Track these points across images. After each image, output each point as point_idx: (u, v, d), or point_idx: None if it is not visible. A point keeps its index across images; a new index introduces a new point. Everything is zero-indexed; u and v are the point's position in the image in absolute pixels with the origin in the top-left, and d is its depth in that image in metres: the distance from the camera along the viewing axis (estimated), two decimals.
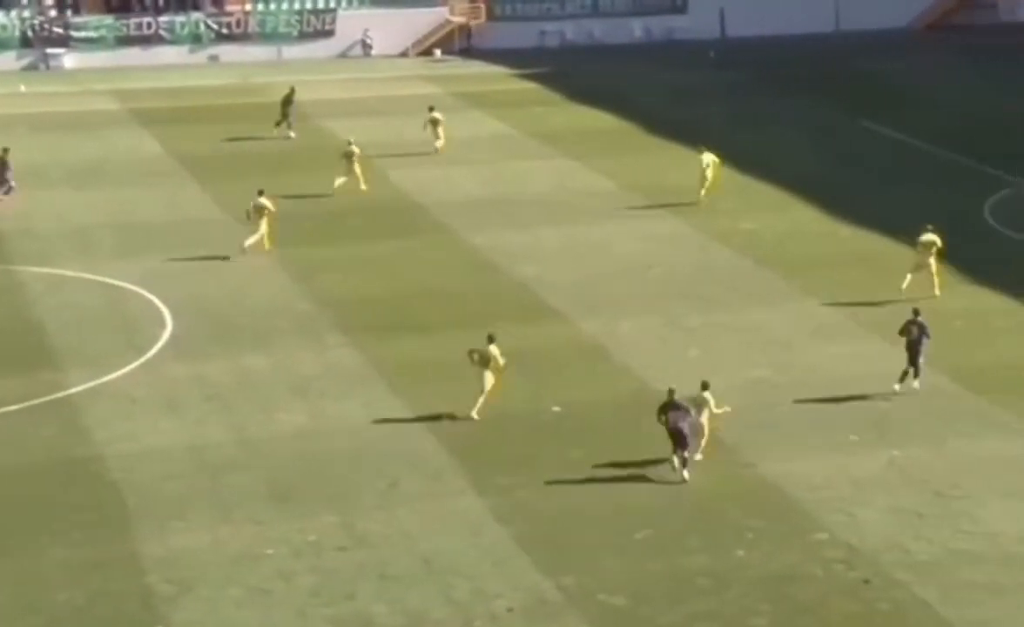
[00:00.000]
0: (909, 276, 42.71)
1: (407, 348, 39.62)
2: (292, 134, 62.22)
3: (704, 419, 32.67)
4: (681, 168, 57.49)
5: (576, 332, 40.73)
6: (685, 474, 31.93)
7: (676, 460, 31.92)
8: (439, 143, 59.12)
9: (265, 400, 36.38)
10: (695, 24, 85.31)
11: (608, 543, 29.64)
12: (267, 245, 47.39)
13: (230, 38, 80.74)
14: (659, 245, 48.23)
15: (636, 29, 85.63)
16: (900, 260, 46.07)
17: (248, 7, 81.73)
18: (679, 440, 31.79)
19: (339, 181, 53.59)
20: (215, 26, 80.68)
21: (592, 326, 40.98)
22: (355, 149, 54.54)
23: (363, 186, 53.83)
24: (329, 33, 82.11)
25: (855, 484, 31.91)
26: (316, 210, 51.19)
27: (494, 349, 35.15)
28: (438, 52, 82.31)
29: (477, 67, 79.13)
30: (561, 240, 48.83)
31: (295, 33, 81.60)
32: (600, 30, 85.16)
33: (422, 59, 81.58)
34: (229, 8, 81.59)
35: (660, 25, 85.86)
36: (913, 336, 36.14)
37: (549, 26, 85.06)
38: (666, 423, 31.85)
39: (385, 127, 63.13)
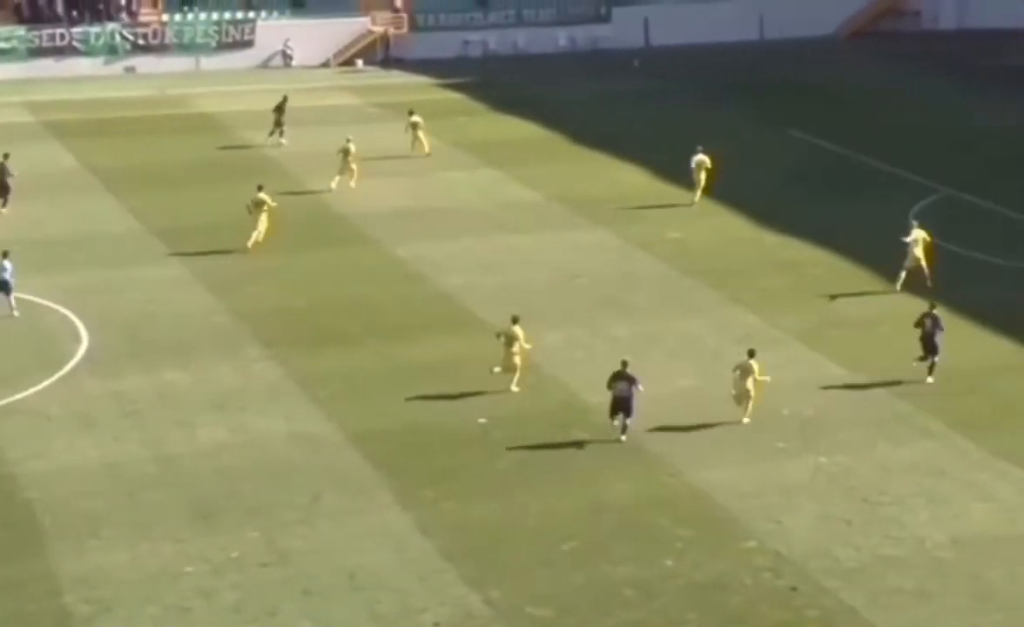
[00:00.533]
0: (903, 274, 44.09)
1: (330, 361, 39.50)
2: (283, 141, 62.24)
3: (750, 385, 35.08)
4: (606, 178, 57.83)
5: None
6: (623, 437, 34.20)
7: (616, 422, 34.35)
8: (425, 149, 60.17)
9: (184, 415, 36.14)
10: (619, 33, 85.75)
11: (535, 555, 29.67)
12: (260, 240, 48.27)
13: (146, 49, 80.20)
14: (585, 255, 48.38)
15: (560, 38, 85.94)
16: (825, 268, 46.53)
17: (164, 17, 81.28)
18: (622, 406, 34.29)
19: (337, 178, 55.24)
20: (131, 37, 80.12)
21: None
22: (352, 147, 55.62)
23: (353, 183, 55.03)
24: (249, 43, 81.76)
25: (783, 491, 32.13)
26: (235, 221, 50.91)
27: (518, 330, 37.08)
28: (360, 62, 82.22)
29: (400, 77, 79.11)
30: (486, 250, 48.89)
31: (213, 44, 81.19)
32: (524, 39, 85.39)
33: (344, 69, 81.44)
34: (145, 18, 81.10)
35: (584, 34, 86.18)
36: (927, 329, 37.64)
37: (472, 36, 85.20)
38: (614, 390, 34.30)
39: (307, 137, 62.93)
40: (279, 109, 63.01)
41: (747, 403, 35.35)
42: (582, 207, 53.37)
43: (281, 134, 62.58)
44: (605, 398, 35.72)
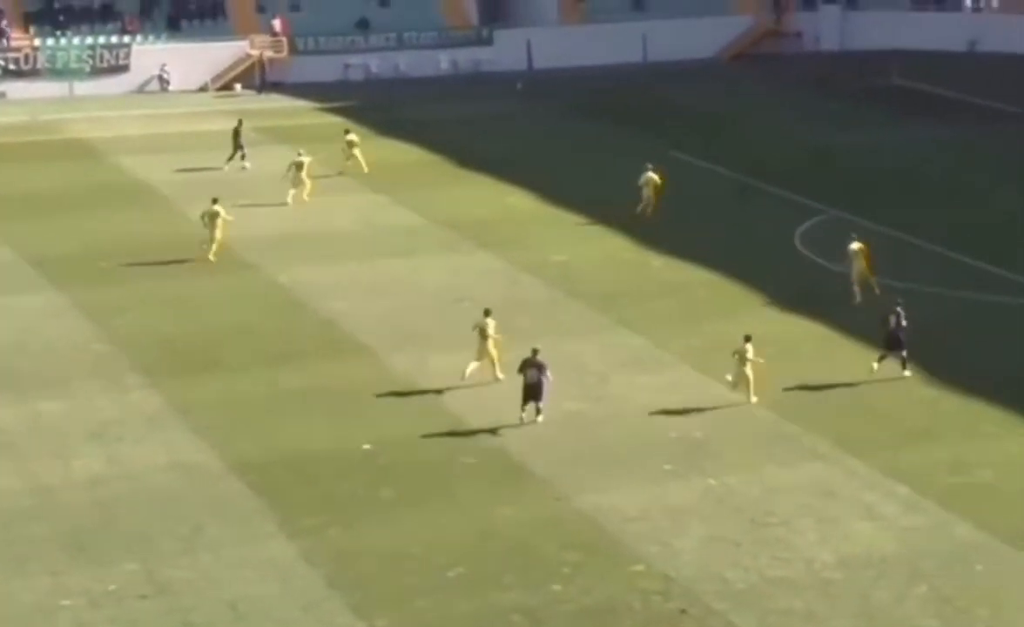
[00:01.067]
0: (856, 289, 45.37)
1: (210, 389, 39.14)
2: (246, 165, 61.61)
3: (748, 369, 37.57)
4: (490, 201, 57.92)
5: (386, 368, 40.66)
6: (539, 419, 36.44)
7: (525, 412, 36.40)
8: (363, 168, 60.52)
9: (60, 446, 35.58)
10: (501, 56, 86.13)
11: (421, 582, 29.54)
12: (212, 257, 49.36)
13: (18, 74, 79.15)
14: (469, 278, 48.41)
15: (442, 61, 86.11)
16: (712, 289, 46.91)
17: (36, 42, 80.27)
18: (534, 393, 36.41)
19: (291, 192, 56.31)
20: (1, 62, 79.03)
21: (402, 361, 40.95)
22: (305, 160, 56.93)
23: (306, 196, 56.40)
24: (124, 68, 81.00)
25: (671, 514, 32.28)
26: (111, 248, 50.44)
27: (489, 321, 39.28)
28: (239, 87, 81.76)
29: (281, 101, 78.81)
30: (369, 275, 48.76)
31: (87, 69, 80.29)
32: (405, 63, 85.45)
33: (222, 94, 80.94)
34: (16, 43, 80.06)
35: (466, 57, 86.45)
36: (891, 326, 39.51)
37: (353, 59, 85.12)
38: (525, 377, 36.36)
39: (185, 163, 62.49)
40: (236, 133, 62.29)
41: (746, 386, 37.59)
42: (467, 231, 53.41)
43: (243, 157, 61.80)
44: (492, 421, 35.89)
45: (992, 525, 31.61)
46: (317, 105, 76.89)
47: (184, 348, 42.20)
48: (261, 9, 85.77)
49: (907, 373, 39.41)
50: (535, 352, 36.70)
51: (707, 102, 77.14)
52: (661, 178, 54.62)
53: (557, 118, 73.05)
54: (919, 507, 32.60)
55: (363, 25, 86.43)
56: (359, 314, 44.90)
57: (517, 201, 57.79)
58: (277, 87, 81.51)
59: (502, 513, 32.30)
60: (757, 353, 37.80)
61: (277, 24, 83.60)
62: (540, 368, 36.33)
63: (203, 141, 67.69)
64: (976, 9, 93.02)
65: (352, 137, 61.63)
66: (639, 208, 54.34)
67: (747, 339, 37.91)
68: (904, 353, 39.42)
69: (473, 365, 38.72)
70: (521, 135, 69.14)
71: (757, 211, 56.25)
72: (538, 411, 36.39)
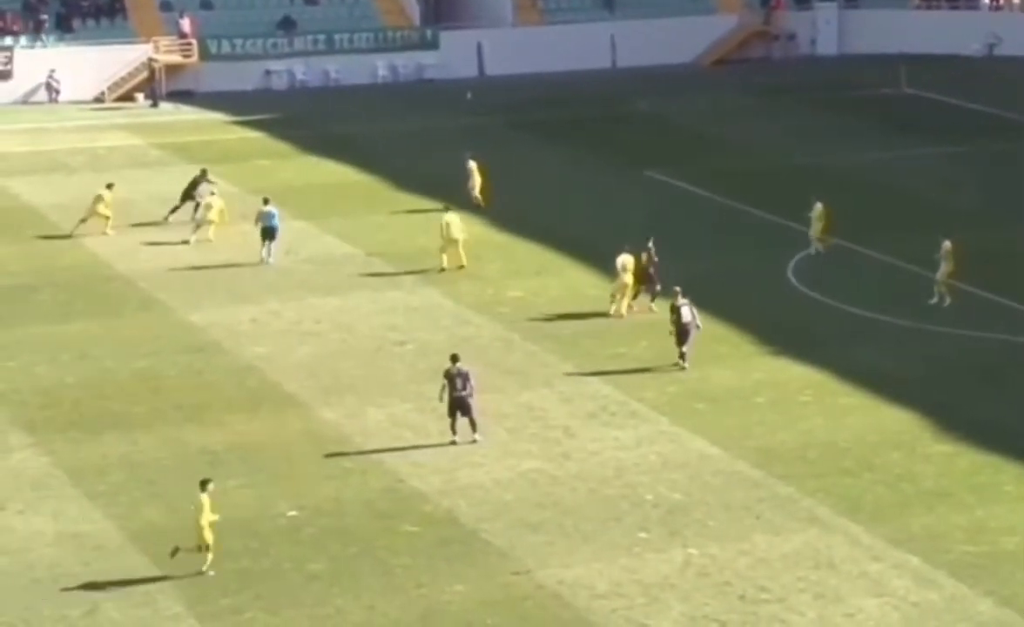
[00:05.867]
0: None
1: (108, 448, 39.08)
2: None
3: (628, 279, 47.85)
4: (434, 229, 57.95)
5: (315, 421, 40.69)
6: (685, 365, 43.91)
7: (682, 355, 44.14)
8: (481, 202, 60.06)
9: None
10: (449, 61, 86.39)
11: None
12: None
13: None
14: (411, 318, 48.50)
15: (380, 67, 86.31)
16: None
17: None
18: (683, 337, 43.86)
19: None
20: None
21: (334, 414, 40.99)
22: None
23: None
24: (6, 75, 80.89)
25: (647, 590, 32.37)
26: None
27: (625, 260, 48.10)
28: (141, 97, 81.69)
29: (189, 114, 78.82)
30: (295, 315, 48.81)
31: None
32: (336, 69, 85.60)
33: (121, 105, 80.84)
34: None
35: (408, 62, 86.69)
36: None
37: (276, 65, 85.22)
38: (677, 318, 43.90)
39: (78, 185, 62.39)
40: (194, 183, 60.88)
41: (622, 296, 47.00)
42: (407, 263, 53.51)
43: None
44: (439, 482, 35.93)
45: (1017, 600, 31.82)
46: (232, 118, 76.93)
47: (76, 401, 42.12)
48: (166, 7, 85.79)
49: None
50: (678, 291, 44.57)
51: (685, 114, 77.53)
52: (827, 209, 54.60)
53: (511, 132, 73.30)
54: (932, 580, 32.79)
55: (287, 25, 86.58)
56: (283, 360, 44.91)
57: (466, 229, 57.90)
58: (185, 97, 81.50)
59: (450, 590, 32.31)
60: (745, 401, 37.89)
61: (186, 24, 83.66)
62: (692, 310, 43.81)
63: (99, 160, 67.60)
64: (995, 7, 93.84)
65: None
66: (813, 249, 54.39)
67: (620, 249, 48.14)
68: None
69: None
70: (470, 153, 69.20)
71: (743, 239, 56.52)
72: (682, 355, 43.90)
